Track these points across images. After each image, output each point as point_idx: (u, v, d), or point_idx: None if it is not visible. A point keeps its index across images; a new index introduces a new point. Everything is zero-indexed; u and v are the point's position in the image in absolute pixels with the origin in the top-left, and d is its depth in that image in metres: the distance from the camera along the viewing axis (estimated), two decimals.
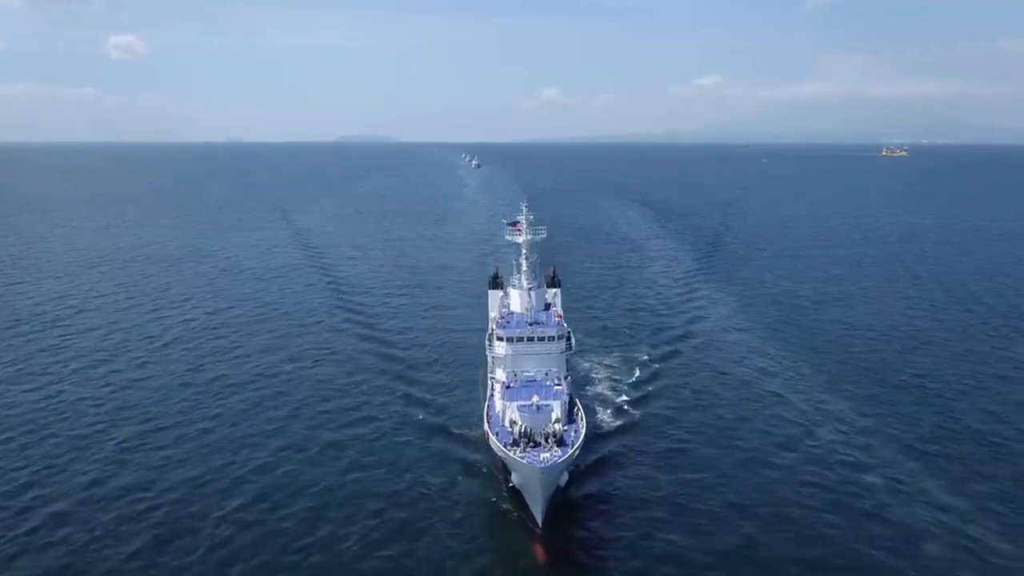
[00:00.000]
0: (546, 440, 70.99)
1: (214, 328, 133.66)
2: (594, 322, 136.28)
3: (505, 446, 70.16)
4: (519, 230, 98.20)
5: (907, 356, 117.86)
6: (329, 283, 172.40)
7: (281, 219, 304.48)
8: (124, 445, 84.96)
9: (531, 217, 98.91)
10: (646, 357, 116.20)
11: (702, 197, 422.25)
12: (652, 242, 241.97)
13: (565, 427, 75.90)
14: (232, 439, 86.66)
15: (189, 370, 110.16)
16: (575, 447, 69.87)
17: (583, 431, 74.59)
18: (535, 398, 76.57)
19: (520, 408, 75.63)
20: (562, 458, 66.88)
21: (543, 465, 65.00)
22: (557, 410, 77.15)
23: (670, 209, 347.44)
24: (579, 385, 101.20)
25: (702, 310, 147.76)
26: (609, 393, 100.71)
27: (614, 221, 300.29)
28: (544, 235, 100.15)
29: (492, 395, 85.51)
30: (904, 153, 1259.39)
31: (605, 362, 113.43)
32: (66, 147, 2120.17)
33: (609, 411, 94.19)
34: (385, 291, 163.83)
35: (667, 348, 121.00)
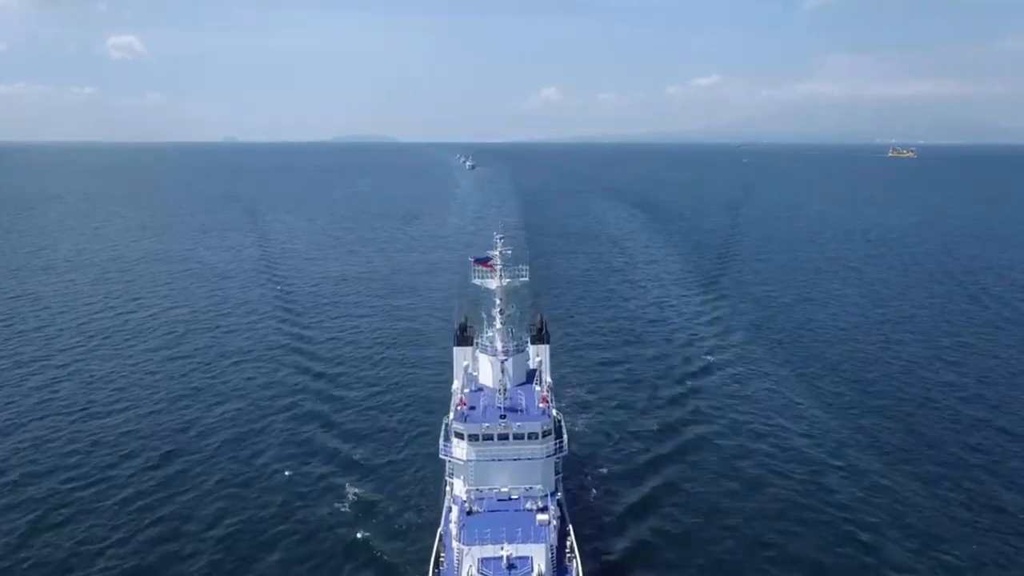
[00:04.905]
0: None
1: (158, 328, 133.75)
2: (588, 371, 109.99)
3: None
4: (492, 268, 70.55)
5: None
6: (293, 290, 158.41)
7: (263, 221, 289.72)
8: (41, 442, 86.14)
9: (508, 253, 71.06)
10: (657, 425, 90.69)
11: (691, 197, 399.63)
12: (641, 243, 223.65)
13: None
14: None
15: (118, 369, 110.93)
16: None
17: None
18: (506, 548, 49.80)
19: (484, 566, 49.22)
20: None
21: None
22: (541, 561, 50.43)
23: (659, 209, 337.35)
24: (571, 472, 74.39)
25: (718, 346, 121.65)
26: (614, 487, 74.24)
27: (605, 222, 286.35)
28: (526, 278, 72.52)
29: (448, 520, 58.64)
30: (912, 154, 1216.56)
31: (606, 431, 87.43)
32: (61, 147, 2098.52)
33: (615, 527, 67.29)
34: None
35: (682, 410, 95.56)
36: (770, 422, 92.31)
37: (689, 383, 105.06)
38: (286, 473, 78.41)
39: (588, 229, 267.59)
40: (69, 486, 75.84)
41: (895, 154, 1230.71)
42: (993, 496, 74.47)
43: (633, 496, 73.60)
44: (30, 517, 69.90)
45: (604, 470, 78.73)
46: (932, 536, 67.09)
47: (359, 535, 66.33)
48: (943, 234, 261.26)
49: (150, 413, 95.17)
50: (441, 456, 61.27)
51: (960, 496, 74.21)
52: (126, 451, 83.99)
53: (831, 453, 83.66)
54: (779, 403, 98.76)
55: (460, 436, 59.27)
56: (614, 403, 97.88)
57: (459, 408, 61.55)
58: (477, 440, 58.70)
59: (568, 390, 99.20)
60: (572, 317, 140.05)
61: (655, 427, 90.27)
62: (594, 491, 74.00)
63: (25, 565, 62.95)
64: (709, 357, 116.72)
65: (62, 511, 71.03)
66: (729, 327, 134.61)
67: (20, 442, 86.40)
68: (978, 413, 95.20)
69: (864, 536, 66.96)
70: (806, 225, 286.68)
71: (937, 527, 68.52)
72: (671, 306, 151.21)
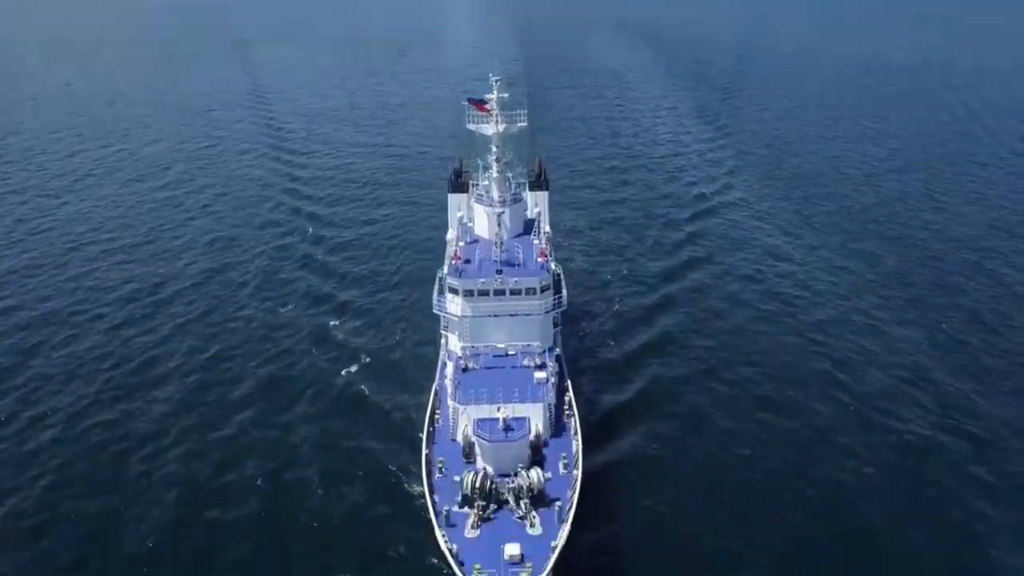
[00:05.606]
0: (516, 501, 44.01)
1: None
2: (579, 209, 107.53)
3: (448, 515, 43.18)
4: (488, 112, 65.99)
5: None
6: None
7: (252, 50, 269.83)
8: None
9: (505, 96, 66.25)
10: (658, 269, 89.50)
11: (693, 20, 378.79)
12: (641, 76, 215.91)
13: (549, 444, 49.26)
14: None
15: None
16: (565, 524, 42.45)
17: (578, 472, 47.13)
18: (502, 410, 48.86)
19: (480, 428, 48.32)
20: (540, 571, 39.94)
21: None
22: (538, 421, 49.94)
23: (658, 35, 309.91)
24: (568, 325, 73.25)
25: (721, 187, 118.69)
26: (614, 336, 73.68)
27: (601, 51, 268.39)
28: (524, 123, 67.99)
29: (443, 375, 57.82)
30: None
31: (606, 276, 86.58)
32: None
33: (615, 378, 66.85)
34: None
35: (683, 253, 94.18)
36: (769, 265, 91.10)
37: (690, 226, 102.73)
38: (281, 309, 78.93)
39: (586, 58, 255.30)
40: (67, 309, 78.91)
41: None
42: (975, 336, 74.82)
43: (633, 344, 72.97)
44: (30, 341, 73.06)
45: (603, 317, 77.87)
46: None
47: (343, 372, 67.20)
48: (950, 65, 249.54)
49: (138, 244, 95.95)
50: (435, 311, 59.65)
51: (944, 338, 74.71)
52: (117, 279, 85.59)
53: (824, 296, 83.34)
54: (779, 246, 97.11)
55: (455, 291, 57.32)
56: (614, 247, 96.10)
57: (453, 262, 59.21)
58: (472, 296, 56.80)
59: (567, 234, 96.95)
60: (571, 156, 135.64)
61: (656, 271, 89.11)
62: (592, 341, 73.32)
63: (22, 381, 66.39)
64: (711, 197, 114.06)
65: (53, 333, 74.11)
66: (732, 168, 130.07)
67: (12, 271, 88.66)
68: (971, 257, 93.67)
69: (848, 380, 67.04)
70: (809, 56, 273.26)
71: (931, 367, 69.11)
72: (674, 142, 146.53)
